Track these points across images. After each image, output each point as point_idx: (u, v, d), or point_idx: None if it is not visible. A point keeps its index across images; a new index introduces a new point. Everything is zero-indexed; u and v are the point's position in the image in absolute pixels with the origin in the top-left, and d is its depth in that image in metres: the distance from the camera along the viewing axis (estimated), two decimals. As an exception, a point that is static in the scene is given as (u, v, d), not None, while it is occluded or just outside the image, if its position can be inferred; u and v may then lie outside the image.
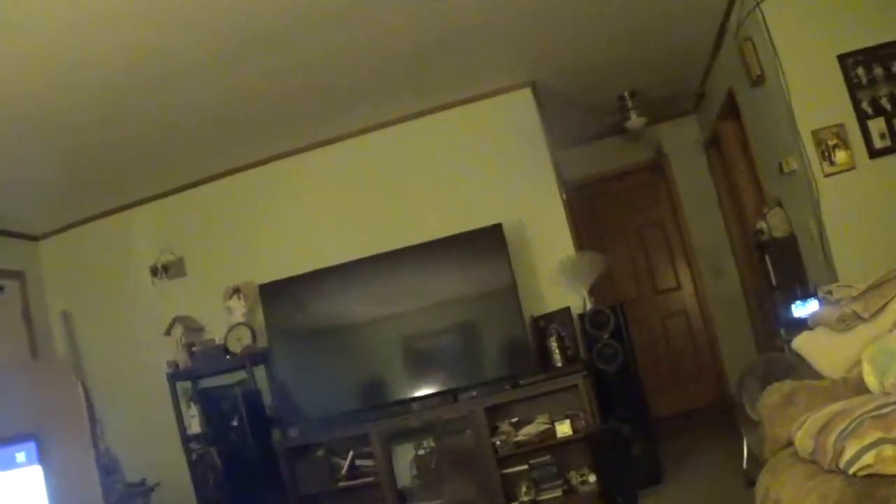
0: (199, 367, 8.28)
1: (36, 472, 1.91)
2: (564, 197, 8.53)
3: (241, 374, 8.14)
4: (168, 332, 8.36)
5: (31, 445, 1.91)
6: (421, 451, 7.78)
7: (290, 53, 6.39)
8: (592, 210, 11.11)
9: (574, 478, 7.36)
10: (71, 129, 6.72)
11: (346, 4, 5.79)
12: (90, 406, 1.93)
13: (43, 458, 1.91)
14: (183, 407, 8.20)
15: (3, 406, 1.98)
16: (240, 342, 8.18)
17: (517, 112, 8.35)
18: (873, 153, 6.42)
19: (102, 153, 7.46)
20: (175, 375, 8.23)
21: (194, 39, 5.74)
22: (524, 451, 7.36)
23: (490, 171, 8.34)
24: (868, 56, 6.46)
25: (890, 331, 4.49)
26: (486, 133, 8.39)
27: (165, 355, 8.27)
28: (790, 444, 3.98)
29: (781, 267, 7.53)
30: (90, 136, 7.01)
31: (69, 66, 5.63)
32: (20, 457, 1.91)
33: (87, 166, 7.68)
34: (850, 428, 3.31)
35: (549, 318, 7.87)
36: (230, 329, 8.26)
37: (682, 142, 10.89)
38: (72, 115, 6.48)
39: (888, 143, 6.42)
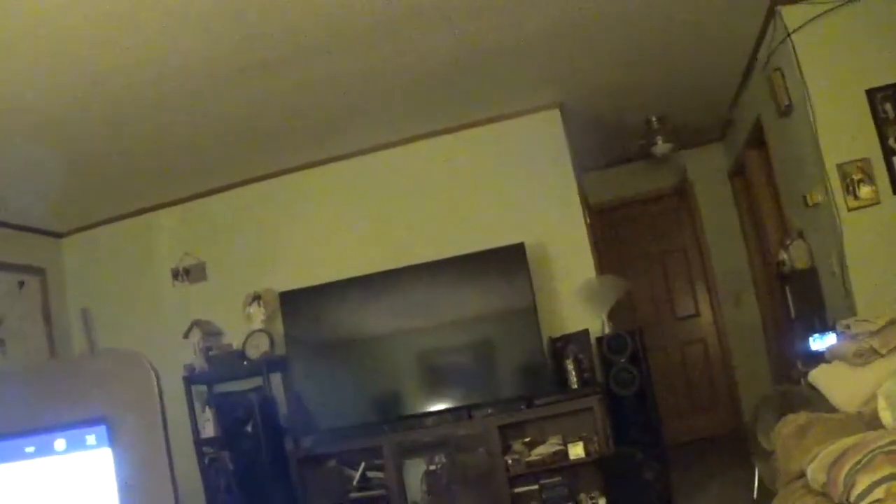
0: (215, 372, 8.30)
1: (106, 455, 1.95)
2: (588, 219, 8.54)
3: (257, 381, 8.13)
4: (186, 336, 8.37)
5: (102, 429, 1.96)
6: (433, 467, 7.76)
7: (320, 67, 6.43)
8: (615, 234, 11.10)
9: (584, 500, 7.34)
10: (97, 134, 6.82)
11: (377, 21, 5.82)
12: (161, 393, 1.97)
13: (113, 441, 1.95)
14: (197, 410, 8.22)
15: (76, 390, 2.03)
16: (257, 349, 8.19)
17: (544, 133, 8.35)
18: (898, 189, 6.41)
19: (128, 157, 7.53)
20: (191, 379, 8.25)
21: (223, 50, 5.78)
22: (536, 472, 7.34)
23: (514, 191, 8.33)
24: (897, 92, 6.46)
25: (906, 367, 4.50)
26: (512, 152, 8.39)
27: (183, 358, 8.29)
28: (802, 475, 3.98)
29: (801, 299, 7.53)
30: (117, 142, 7.08)
31: (98, 73, 5.69)
32: (90, 439, 1.96)
33: (111, 169, 7.75)
34: (862, 462, 3.31)
35: (567, 339, 7.84)
36: (248, 335, 8.26)
37: (707, 169, 10.88)
38: (99, 122, 6.58)
39: (913, 179, 6.40)
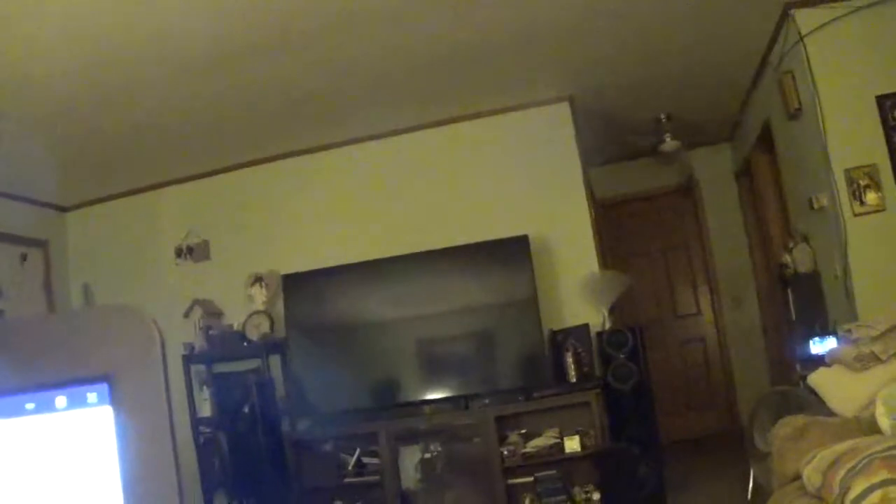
0: (214, 352, 8.31)
1: (107, 413, 1.96)
2: (592, 214, 8.54)
3: (255, 362, 8.14)
4: (187, 315, 8.39)
5: (104, 387, 1.97)
6: (428, 455, 7.77)
7: (328, 50, 6.43)
8: (619, 229, 11.10)
9: (578, 494, 7.35)
10: (101, 108, 6.79)
11: (386, 6, 5.83)
12: (164, 351, 1.97)
13: (114, 398, 1.96)
14: (195, 389, 8.22)
15: (76, 347, 2.03)
16: (258, 330, 8.21)
17: (553, 126, 8.35)
18: (904, 196, 6.41)
19: (135, 134, 7.53)
20: (190, 358, 8.24)
21: (231, 30, 5.78)
22: (531, 464, 7.35)
23: (520, 182, 8.33)
24: (907, 99, 6.46)
25: (906, 374, 4.50)
26: (520, 144, 8.38)
27: (182, 337, 8.28)
28: (798, 477, 3.98)
29: (802, 302, 7.54)
30: (125, 118, 7.08)
31: (104, 48, 5.69)
32: (91, 397, 1.97)
33: (117, 146, 7.75)
34: (858, 466, 3.32)
35: (567, 333, 7.86)
36: (249, 316, 8.28)
37: (714, 169, 10.89)
38: (106, 98, 6.58)
39: (920, 187, 6.40)
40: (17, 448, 2.02)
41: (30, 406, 2.00)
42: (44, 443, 2.01)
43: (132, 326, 2.09)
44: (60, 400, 2.00)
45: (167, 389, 2.02)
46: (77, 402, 2.00)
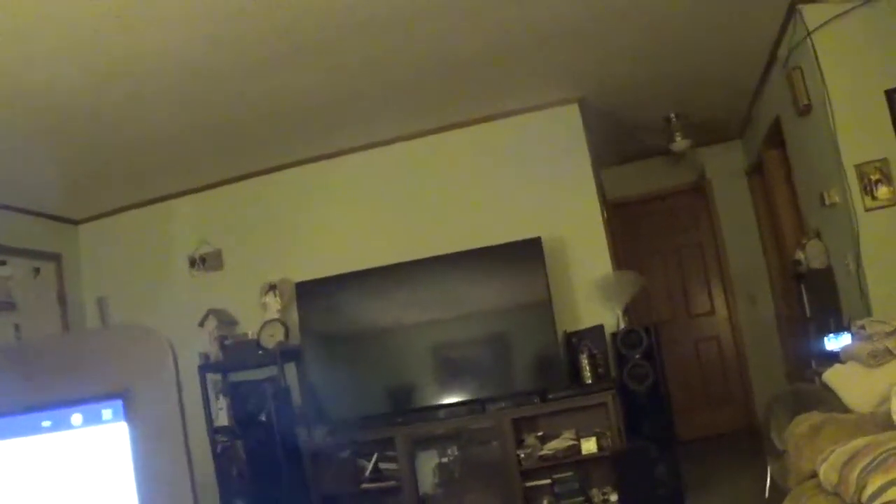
0: (230, 361, 8.32)
1: (122, 429, 1.99)
2: (605, 214, 8.54)
3: (271, 371, 8.16)
4: (202, 324, 8.40)
5: (118, 403, 2.00)
6: (445, 459, 7.78)
7: (338, 57, 6.44)
8: (632, 229, 11.09)
9: (596, 495, 7.35)
10: (111, 120, 6.80)
11: (396, 12, 5.83)
12: (177, 368, 2.00)
13: (129, 415, 1.99)
14: (212, 399, 8.24)
15: (91, 364, 2.06)
16: (273, 338, 8.21)
17: (563, 127, 8.35)
18: (916, 190, 6.40)
19: (146, 145, 7.54)
20: (206, 367, 8.26)
21: (245, 39, 5.79)
22: (548, 466, 7.35)
23: (532, 184, 8.33)
24: (916, 93, 6.44)
25: (921, 369, 4.49)
26: (530, 146, 8.38)
27: (197, 346, 8.31)
28: (814, 475, 3.98)
29: (816, 298, 7.53)
30: (132, 128, 7.08)
31: (117, 61, 5.70)
32: (106, 414, 2.00)
33: (128, 157, 7.77)
34: (874, 463, 3.31)
35: (582, 334, 7.85)
36: (264, 325, 8.29)
37: (725, 166, 10.88)
38: (117, 110, 6.60)
39: (931, 180, 6.39)
40: (34, 465, 2.04)
41: (46, 424, 2.02)
42: (60, 460, 2.04)
43: (146, 344, 2.11)
44: (76, 417, 2.02)
45: (181, 405, 2.04)
46: (92, 419, 2.02)
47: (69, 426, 2.03)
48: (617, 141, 9.87)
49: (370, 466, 7.72)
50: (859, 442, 3.68)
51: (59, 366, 2.09)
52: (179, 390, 2.05)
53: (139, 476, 1.98)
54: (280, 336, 8.21)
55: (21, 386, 2.03)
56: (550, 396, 7.56)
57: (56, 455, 2.03)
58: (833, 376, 5.24)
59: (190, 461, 1.99)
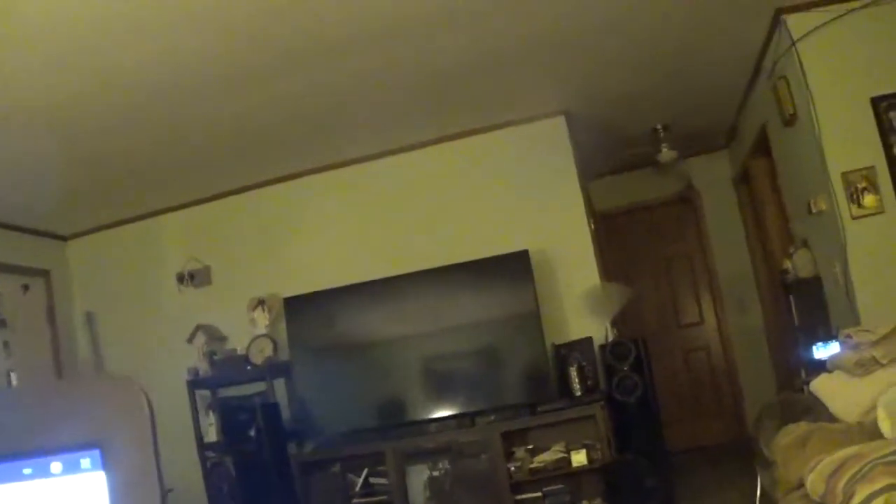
0: (219, 376, 8.32)
1: (99, 478, 2.02)
2: (592, 226, 8.55)
3: (260, 386, 8.16)
4: (191, 340, 8.40)
5: (96, 453, 2.03)
6: (435, 473, 7.77)
7: (326, 72, 6.45)
8: (620, 241, 11.08)
9: (586, 508, 7.36)
10: (100, 134, 6.80)
11: (383, 26, 5.84)
12: (153, 418, 2.03)
13: (106, 464, 2.02)
14: (201, 414, 8.23)
15: (70, 415, 2.10)
16: (261, 353, 8.21)
17: (549, 140, 8.36)
18: (902, 198, 6.40)
19: (132, 160, 7.55)
20: (195, 383, 8.27)
21: (233, 53, 5.79)
22: (538, 479, 7.34)
23: (519, 197, 8.35)
24: (902, 100, 6.45)
25: (907, 378, 4.49)
26: (517, 159, 8.40)
27: (186, 362, 8.32)
28: (802, 485, 3.98)
29: (805, 307, 7.53)
30: (120, 143, 7.08)
31: (105, 76, 5.70)
32: (85, 463, 2.03)
33: (117, 172, 7.78)
34: (861, 473, 3.31)
35: (571, 346, 7.85)
36: (252, 340, 8.29)
37: (712, 176, 10.89)
38: (105, 125, 6.60)
39: (918, 188, 6.40)
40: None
41: (27, 471, 2.05)
42: (40, 508, 2.07)
43: (122, 395, 2.15)
44: (56, 466, 2.05)
45: (157, 455, 2.07)
46: (71, 467, 2.05)
47: (49, 474, 2.07)
48: (604, 152, 9.86)
49: (360, 481, 7.71)
50: (846, 452, 3.68)
51: (38, 414, 2.12)
52: (155, 439, 2.08)
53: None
54: (269, 351, 8.20)
55: (5, 433, 2.06)
56: (540, 409, 7.56)
57: (37, 502, 2.06)
58: (820, 386, 5.24)
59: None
